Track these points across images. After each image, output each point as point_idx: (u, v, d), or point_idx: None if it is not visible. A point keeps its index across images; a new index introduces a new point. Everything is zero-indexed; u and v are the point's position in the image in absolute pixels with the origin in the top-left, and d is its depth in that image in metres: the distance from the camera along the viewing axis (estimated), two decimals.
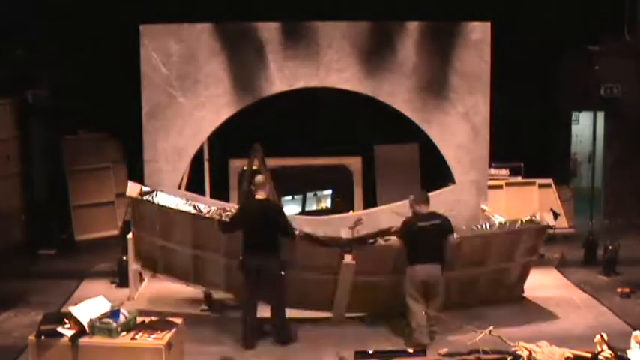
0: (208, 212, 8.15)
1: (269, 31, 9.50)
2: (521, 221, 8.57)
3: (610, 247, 10.27)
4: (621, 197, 12.99)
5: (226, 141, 10.86)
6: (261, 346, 7.78)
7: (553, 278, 10.24)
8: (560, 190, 12.47)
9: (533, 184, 12.41)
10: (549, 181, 12.42)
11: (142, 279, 9.48)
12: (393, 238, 7.94)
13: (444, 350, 6.69)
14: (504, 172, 12.39)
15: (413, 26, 9.58)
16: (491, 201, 10.22)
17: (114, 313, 6.39)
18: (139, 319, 6.50)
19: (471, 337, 6.16)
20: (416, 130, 9.87)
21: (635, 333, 6.06)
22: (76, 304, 6.66)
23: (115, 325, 6.22)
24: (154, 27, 9.44)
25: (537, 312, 8.77)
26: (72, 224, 12.44)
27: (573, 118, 13.86)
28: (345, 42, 9.55)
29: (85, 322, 6.24)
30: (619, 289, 9.39)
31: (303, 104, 10.95)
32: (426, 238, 7.62)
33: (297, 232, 7.96)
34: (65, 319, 6.33)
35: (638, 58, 12.63)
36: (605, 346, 5.83)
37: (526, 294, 9.30)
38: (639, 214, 12.89)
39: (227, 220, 7.91)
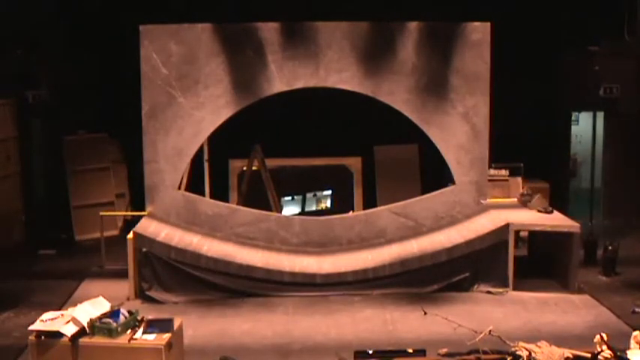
0: None
1: (269, 31, 9.50)
2: None
3: (610, 247, 10.26)
4: (621, 197, 12.97)
5: (226, 141, 10.86)
6: (261, 345, 7.78)
7: None
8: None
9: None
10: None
11: None
12: None
13: (444, 350, 6.68)
14: (504, 172, 12.40)
15: (413, 26, 9.58)
16: None
17: (114, 313, 6.39)
18: (139, 319, 6.50)
19: (471, 337, 6.16)
20: (416, 131, 9.87)
21: (635, 333, 6.06)
22: (76, 304, 6.66)
23: (115, 325, 6.22)
24: (154, 27, 9.44)
25: (537, 312, 8.76)
26: (72, 224, 12.45)
27: (573, 118, 13.84)
28: (345, 42, 9.55)
29: (85, 322, 6.24)
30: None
31: (303, 104, 10.95)
32: None
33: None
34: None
35: (638, 58, 12.62)
36: (605, 346, 5.82)
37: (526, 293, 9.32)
38: (639, 214, 12.88)
39: None
